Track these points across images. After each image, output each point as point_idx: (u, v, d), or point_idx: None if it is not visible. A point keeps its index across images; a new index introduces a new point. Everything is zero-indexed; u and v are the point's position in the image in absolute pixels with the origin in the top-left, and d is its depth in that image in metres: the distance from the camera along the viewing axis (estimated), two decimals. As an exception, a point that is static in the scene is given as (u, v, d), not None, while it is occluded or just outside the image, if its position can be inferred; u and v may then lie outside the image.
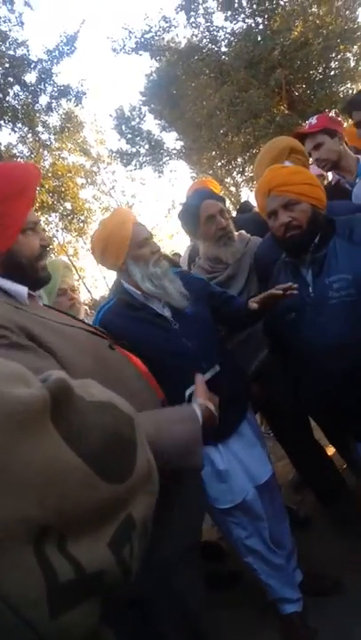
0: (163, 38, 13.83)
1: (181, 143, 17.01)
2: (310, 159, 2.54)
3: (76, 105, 13.18)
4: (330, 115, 2.71)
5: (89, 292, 19.36)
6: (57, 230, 17.27)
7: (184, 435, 0.99)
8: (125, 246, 1.68)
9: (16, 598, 0.34)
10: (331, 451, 2.69)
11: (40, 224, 1.23)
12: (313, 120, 2.52)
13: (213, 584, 2.18)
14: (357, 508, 2.41)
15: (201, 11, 12.94)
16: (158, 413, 1.10)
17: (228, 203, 3.08)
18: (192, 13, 12.83)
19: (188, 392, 1.34)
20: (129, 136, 17.86)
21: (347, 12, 12.28)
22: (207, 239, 2.24)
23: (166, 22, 13.42)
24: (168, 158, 17.93)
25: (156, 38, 13.70)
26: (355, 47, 12.48)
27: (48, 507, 0.37)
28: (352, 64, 12.67)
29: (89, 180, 20.87)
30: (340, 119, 2.64)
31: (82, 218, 17.33)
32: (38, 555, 0.36)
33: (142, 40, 13.57)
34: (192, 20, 12.98)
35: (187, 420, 1.04)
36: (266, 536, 1.85)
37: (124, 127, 17.85)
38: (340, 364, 1.56)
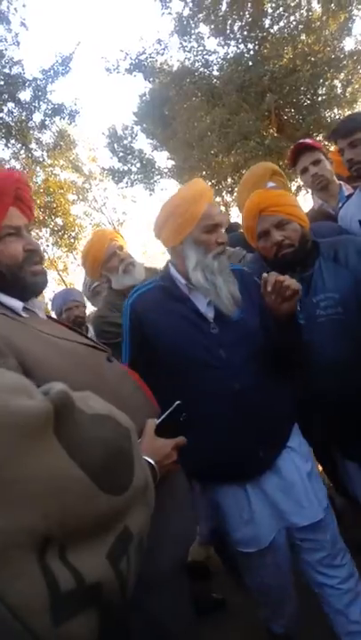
0: (156, 60, 14.13)
1: (173, 162, 17.23)
2: (298, 179, 2.62)
3: (70, 123, 13.34)
4: (316, 140, 2.80)
5: (78, 307, 19.23)
6: (47, 245, 17.27)
7: None
8: (192, 223, 1.47)
9: (20, 607, 0.34)
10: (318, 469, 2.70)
11: (24, 227, 1.17)
12: (307, 141, 2.57)
13: (199, 609, 2.16)
14: (342, 527, 2.41)
15: (194, 35, 13.29)
16: None
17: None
18: (185, 37, 13.16)
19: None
20: (121, 154, 18.05)
21: (334, 42, 12.69)
22: None
23: (160, 45, 13.75)
24: (159, 177, 18.11)
25: (150, 60, 13.99)
26: (342, 75, 12.86)
27: (51, 517, 0.38)
28: (339, 91, 13.02)
29: (80, 196, 20.97)
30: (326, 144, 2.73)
31: (72, 234, 17.38)
32: (41, 564, 0.37)
33: (136, 61, 13.85)
34: (185, 43, 13.31)
35: None
36: (286, 581, 1.67)
37: (116, 145, 18.04)
38: (329, 380, 1.59)
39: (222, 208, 18.71)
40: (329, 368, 1.58)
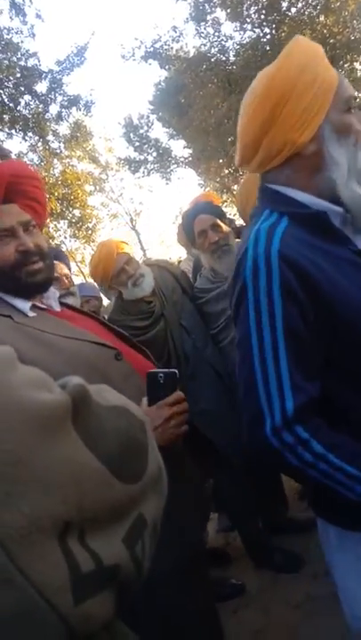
0: (172, 48, 14.01)
1: (189, 151, 17.13)
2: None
3: (86, 114, 13.39)
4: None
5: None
6: (65, 237, 17.44)
7: None
8: (328, 98, 0.88)
9: (44, 585, 0.38)
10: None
11: (20, 225, 1.13)
12: None
13: (218, 595, 2.21)
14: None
15: (210, 21, 13.11)
16: None
17: (235, 210, 3.15)
18: (201, 23, 13.00)
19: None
20: (137, 144, 18.03)
21: (354, 22, 12.36)
22: (203, 252, 2.32)
23: (176, 32, 13.62)
24: (176, 166, 18.05)
25: (165, 47, 13.88)
26: (362, 56, 12.58)
27: (70, 503, 0.41)
28: (359, 74, 12.73)
29: (97, 187, 21.09)
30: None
31: (90, 225, 17.51)
32: (62, 547, 0.40)
33: (152, 49, 13.76)
34: (201, 29, 13.16)
35: None
36: None
37: (132, 135, 18.01)
38: None
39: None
40: None
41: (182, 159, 17.74)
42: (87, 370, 1.06)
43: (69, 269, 2.76)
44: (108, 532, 0.46)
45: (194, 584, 1.26)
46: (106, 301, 3.65)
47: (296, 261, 0.84)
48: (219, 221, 2.24)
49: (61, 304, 1.29)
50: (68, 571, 0.39)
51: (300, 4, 12.47)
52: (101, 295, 3.33)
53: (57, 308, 1.25)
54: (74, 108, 12.92)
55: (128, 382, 1.18)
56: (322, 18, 12.50)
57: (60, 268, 2.43)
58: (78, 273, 18.84)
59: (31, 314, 1.13)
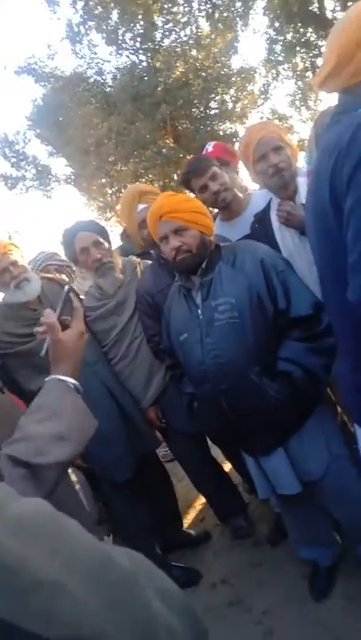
0: (47, 65, 13.77)
1: (71, 169, 16.86)
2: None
3: None
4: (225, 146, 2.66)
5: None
6: None
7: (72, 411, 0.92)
8: None
9: None
10: (228, 467, 2.79)
11: None
12: (209, 147, 2.53)
13: None
14: (252, 520, 2.52)
15: (85, 42, 13.18)
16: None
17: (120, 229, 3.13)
18: (76, 44, 12.99)
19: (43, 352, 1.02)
20: (14, 160, 17.22)
21: (223, 59, 13.41)
22: (87, 270, 2.27)
23: (50, 50, 13.45)
24: (57, 183, 17.61)
25: (40, 64, 13.60)
26: (231, 90, 13.64)
27: None
28: (230, 106, 13.79)
29: (-30, 203, 19.65)
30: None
31: None
32: None
33: (26, 64, 13.38)
34: (77, 50, 13.14)
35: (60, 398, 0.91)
36: None
37: (7, 151, 17.17)
38: (225, 382, 1.65)
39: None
40: (223, 369, 1.65)
41: (63, 177, 17.40)
42: None
43: None
44: None
45: None
46: None
47: None
48: (101, 238, 2.21)
49: None
50: None
51: (172, 37, 13.16)
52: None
53: None
54: None
55: (13, 411, 1.15)
56: (194, 52, 13.34)
57: None
58: None
59: None
